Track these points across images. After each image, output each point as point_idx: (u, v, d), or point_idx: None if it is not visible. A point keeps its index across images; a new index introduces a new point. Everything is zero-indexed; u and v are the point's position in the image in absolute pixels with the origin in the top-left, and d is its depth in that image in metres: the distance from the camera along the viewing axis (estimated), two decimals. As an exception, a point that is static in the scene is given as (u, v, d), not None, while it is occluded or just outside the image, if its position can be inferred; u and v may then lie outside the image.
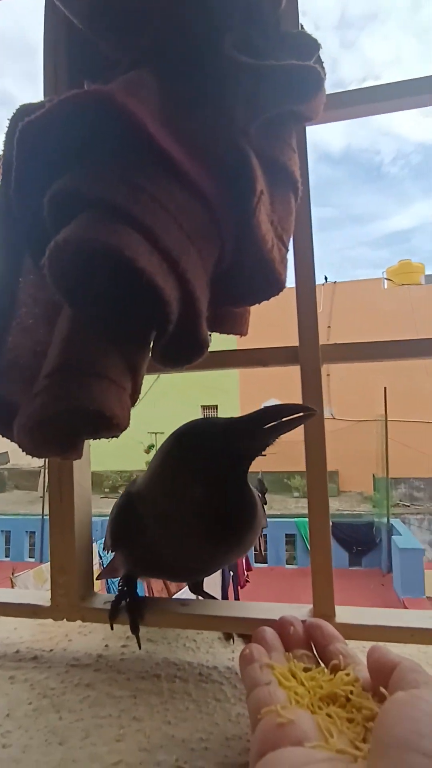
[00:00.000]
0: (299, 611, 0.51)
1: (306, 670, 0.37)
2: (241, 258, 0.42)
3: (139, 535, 0.51)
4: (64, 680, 0.49)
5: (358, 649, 0.41)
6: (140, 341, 0.37)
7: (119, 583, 0.57)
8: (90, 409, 0.33)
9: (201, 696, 0.46)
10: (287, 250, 0.45)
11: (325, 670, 0.37)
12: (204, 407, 15.03)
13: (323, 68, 0.48)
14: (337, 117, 0.56)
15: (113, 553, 0.59)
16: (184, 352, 0.38)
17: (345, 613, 0.49)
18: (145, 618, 0.53)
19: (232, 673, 0.50)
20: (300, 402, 0.51)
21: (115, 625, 0.55)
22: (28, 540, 10.58)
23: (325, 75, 0.46)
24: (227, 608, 0.54)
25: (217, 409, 15.03)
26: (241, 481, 0.47)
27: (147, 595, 0.62)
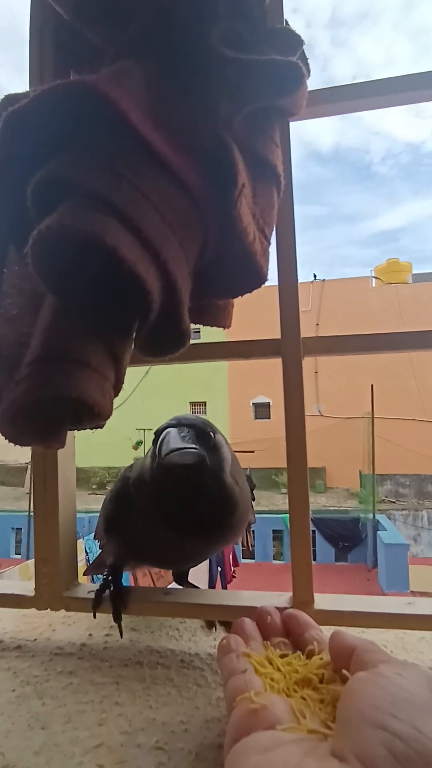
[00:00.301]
0: (279, 599, 0.52)
1: (283, 656, 0.38)
2: (223, 250, 0.43)
3: (130, 519, 0.52)
4: (47, 668, 0.50)
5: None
6: (123, 330, 0.38)
7: (104, 572, 0.58)
8: (71, 397, 0.33)
9: (182, 681, 0.47)
10: (269, 243, 0.46)
11: (301, 655, 0.38)
12: (192, 403, 15.02)
13: (307, 64, 0.49)
14: (326, 112, 0.57)
15: (104, 540, 0.59)
16: (167, 341, 0.38)
17: (323, 600, 0.51)
18: (128, 607, 0.54)
19: (213, 660, 0.50)
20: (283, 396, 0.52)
21: (99, 615, 0.55)
22: (14, 537, 10.50)
23: (308, 71, 0.47)
24: (210, 596, 0.54)
25: (205, 405, 15.04)
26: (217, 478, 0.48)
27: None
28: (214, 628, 0.57)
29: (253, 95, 0.42)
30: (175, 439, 0.46)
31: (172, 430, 0.47)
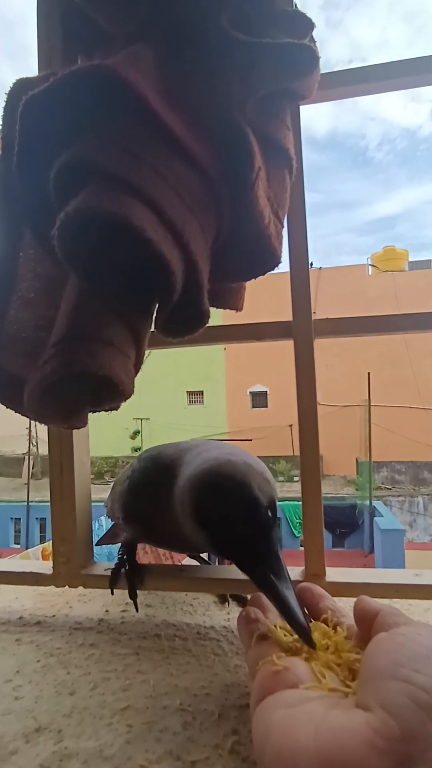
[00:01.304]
0: (292, 573, 0.54)
1: None
2: (238, 232, 0.44)
3: (151, 510, 0.50)
4: (68, 641, 0.52)
5: (348, 606, 0.44)
6: (144, 311, 0.39)
7: (119, 551, 0.59)
8: (98, 375, 0.34)
9: (200, 651, 0.49)
10: (282, 226, 0.47)
11: (317, 624, 0.40)
12: (190, 393, 15.04)
13: (317, 47, 0.49)
14: (325, 97, 0.58)
15: (120, 523, 0.59)
16: (187, 322, 0.39)
17: (334, 573, 0.52)
18: (144, 583, 0.56)
19: (228, 632, 0.52)
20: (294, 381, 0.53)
21: (115, 592, 0.57)
22: (13, 527, 10.56)
23: (319, 54, 0.48)
24: (223, 571, 0.56)
25: (203, 394, 15.05)
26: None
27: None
28: (227, 603, 0.59)
29: (266, 79, 0.43)
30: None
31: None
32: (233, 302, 0.53)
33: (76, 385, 0.37)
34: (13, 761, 0.34)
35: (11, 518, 10.48)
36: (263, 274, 0.47)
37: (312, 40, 0.50)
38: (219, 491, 0.39)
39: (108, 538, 0.68)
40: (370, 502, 9.70)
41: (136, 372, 0.42)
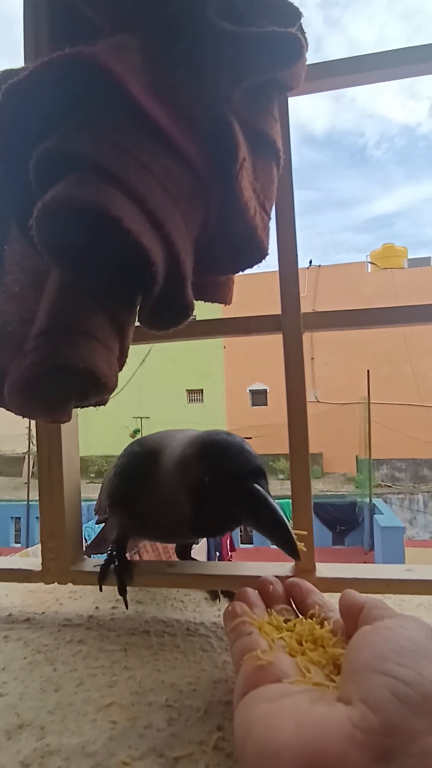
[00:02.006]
0: (282, 568, 0.54)
1: (286, 621, 0.40)
2: (224, 225, 0.43)
3: (138, 493, 0.52)
4: (56, 638, 0.51)
5: (337, 601, 0.43)
6: (127, 303, 0.38)
7: (108, 548, 0.59)
8: (80, 367, 0.34)
9: (189, 648, 0.48)
10: (269, 218, 0.46)
11: (304, 619, 0.40)
12: (189, 391, 15.03)
13: (305, 36, 0.49)
14: (319, 88, 0.57)
15: (108, 515, 0.60)
16: (170, 314, 0.39)
17: (324, 569, 0.52)
18: (133, 579, 0.55)
19: (218, 628, 0.52)
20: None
21: (104, 590, 0.57)
22: (13, 526, 10.57)
23: (306, 43, 0.47)
24: (213, 567, 0.56)
25: (202, 393, 15.05)
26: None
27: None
28: (218, 600, 0.59)
29: (252, 68, 0.42)
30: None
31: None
32: (222, 296, 0.53)
33: (58, 378, 0.37)
34: (-6, 758, 0.33)
35: (11, 517, 10.49)
36: (251, 267, 0.47)
37: (300, 29, 0.50)
38: (222, 447, 0.45)
39: (95, 547, 0.67)
40: (370, 500, 9.71)
41: (121, 366, 0.41)
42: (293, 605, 0.44)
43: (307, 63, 0.55)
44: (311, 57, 0.54)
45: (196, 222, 0.40)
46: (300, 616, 0.42)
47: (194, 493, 0.46)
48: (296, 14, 0.48)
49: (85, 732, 0.36)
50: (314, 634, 0.37)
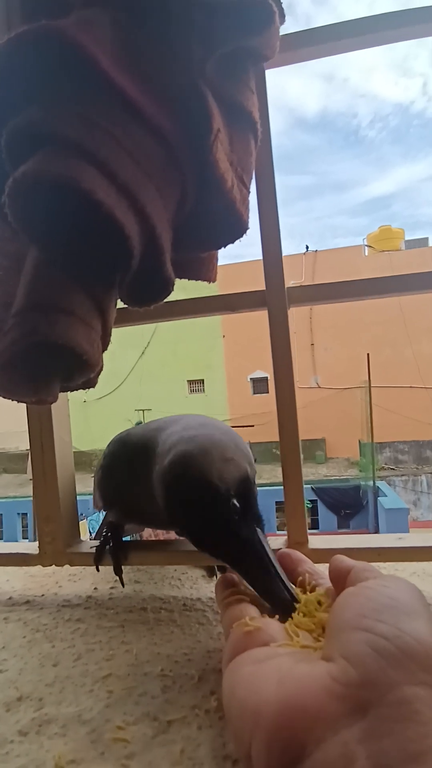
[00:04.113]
0: (275, 542, 0.54)
1: None
2: (202, 199, 0.43)
3: (128, 491, 0.52)
4: (56, 617, 0.52)
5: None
6: (106, 280, 0.38)
7: (104, 528, 0.60)
8: (59, 344, 0.34)
9: (185, 622, 0.49)
10: (248, 192, 0.46)
11: (294, 587, 0.40)
12: (190, 382, 15.03)
13: (280, 5, 0.48)
14: (300, 57, 0.56)
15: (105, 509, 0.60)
16: (150, 290, 0.39)
17: (317, 540, 0.53)
18: (129, 558, 0.56)
19: (214, 602, 0.53)
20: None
21: (103, 571, 0.57)
22: (20, 522, 10.65)
23: (280, 10, 0.46)
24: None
25: (203, 383, 15.04)
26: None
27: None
28: (214, 576, 0.60)
29: (223, 37, 0.42)
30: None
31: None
32: (205, 273, 0.53)
33: (40, 357, 0.37)
34: (-8, 729, 0.34)
35: (18, 513, 10.57)
36: (232, 242, 0.47)
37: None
38: (180, 492, 0.38)
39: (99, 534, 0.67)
40: (374, 483, 9.74)
41: (105, 345, 0.42)
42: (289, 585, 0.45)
43: (289, 32, 0.54)
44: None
45: (173, 196, 0.40)
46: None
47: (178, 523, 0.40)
48: (269, -18, 0.47)
49: (82, 702, 0.37)
50: (303, 599, 0.37)
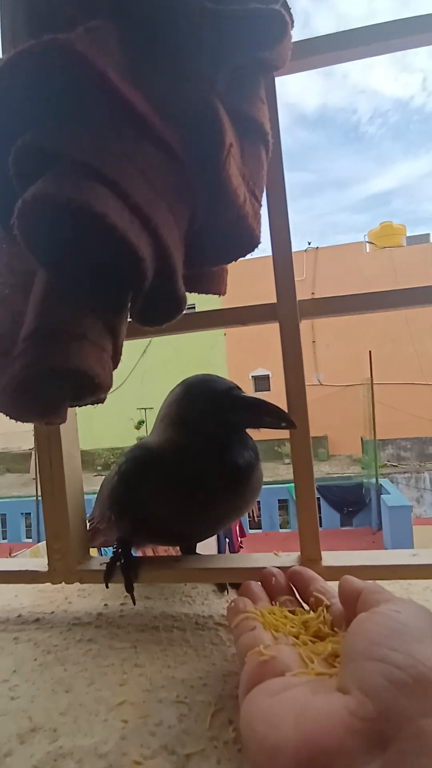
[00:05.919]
0: (288, 558, 0.53)
1: (290, 612, 0.40)
2: (214, 214, 0.42)
3: (144, 499, 0.52)
4: (66, 637, 0.51)
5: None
6: (117, 301, 0.37)
7: (114, 545, 0.59)
8: (70, 369, 0.33)
9: (198, 642, 0.48)
10: (260, 205, 0.45)
11: (306, 609, 0.40)
12: (192, 381, 15.00)
13: (290, 13, 0.47)
14: (307, 66, 0.55)
15: (112, 520, 0.59)
16: (163, 309, 0.38)
17: (330, 557, 0.52)
18: (140, 575, 0.55)
19: (226, 620, 0.52)
20: (284, 366, 0.52)
21: (112, 587, 0.57)
22: (24, 522, 10.67)
23: (291, 20, 0.45)
24: (219, 560, 0.56)
25: (205, 382, 15.00)
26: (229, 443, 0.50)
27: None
28: (225, 591, 0.59)
29: (235, 49, 0.41)
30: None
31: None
32: (215, 286, 0.52)
33: (50, 381, 0.36)
34: (7, 763, 0.34)
35: (21, 513, 10.59)
36: (243, 256, 0.46)
37: (285, 5, 0.48)
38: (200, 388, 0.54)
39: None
40: (377, 480, 9.74)
41: (115, 364, 0.41)
42: (297, 595, 0.44)
43: (295, 40, 0.53)
44: (299, 35, 0.52)
45: (184, 213, 0.39)
46: (304, 605, 0.42)
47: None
48: (279, -11, 0.46)
49: (98, 732, 0.36)
50: (316, 623, 0.37)
